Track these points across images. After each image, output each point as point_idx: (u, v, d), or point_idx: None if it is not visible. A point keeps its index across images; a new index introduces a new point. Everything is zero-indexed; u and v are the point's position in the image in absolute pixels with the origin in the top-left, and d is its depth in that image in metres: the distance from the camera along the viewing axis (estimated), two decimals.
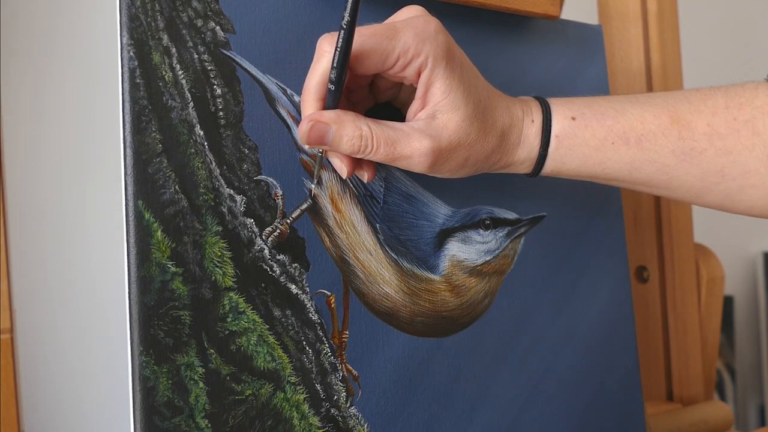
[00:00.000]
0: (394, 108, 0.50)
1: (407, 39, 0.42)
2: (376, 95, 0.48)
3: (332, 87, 0.42)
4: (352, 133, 0.42)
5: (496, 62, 0.55)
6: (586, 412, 0.57)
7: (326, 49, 0.42)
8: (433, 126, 0.43)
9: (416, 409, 0.49)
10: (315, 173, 0.46)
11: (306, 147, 0.46)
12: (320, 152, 0.45)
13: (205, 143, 0.43)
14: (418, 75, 0.43)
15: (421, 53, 0.42)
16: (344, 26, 0.39)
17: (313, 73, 0.43)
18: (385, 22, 0.44)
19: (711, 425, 0.73)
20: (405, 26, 0.42)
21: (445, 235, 0.51)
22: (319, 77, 0.43)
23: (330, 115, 0.42)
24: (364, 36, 0.41)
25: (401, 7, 0.45)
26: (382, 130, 0.43)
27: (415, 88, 0.44)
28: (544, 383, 0.55)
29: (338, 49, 0.40)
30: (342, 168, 0.44)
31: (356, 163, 0.45)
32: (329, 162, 0.46)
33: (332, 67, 0.41)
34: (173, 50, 0.42)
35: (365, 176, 0.46)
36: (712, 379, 0.79)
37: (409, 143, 0.43)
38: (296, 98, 0.46)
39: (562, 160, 0.48)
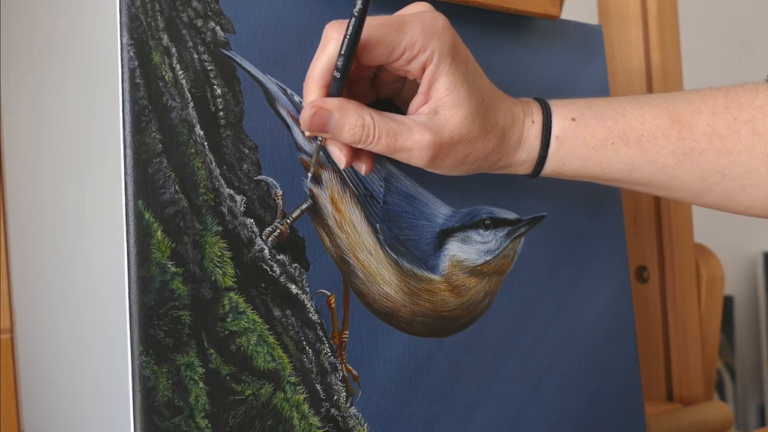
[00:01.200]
0: (396, 107, 0.50)
1: (414, 33, 0.42)
2: (378, 90, 0.48)
3: (338, 75, 0.42)
4: (354, 122, 0.42)
5: (496, 62, 0.55)
6: (586, 412, 0.57)
7: (333, 36, 0.42)
8: (435, 121, 0.43)
9: (416, 409, 0.49)
10: (313, 161, 0.45)
11: (305, 141, 0.46)
12: (319, 141, 0.44)
13: (205, 143, 0.43)
14: (423, 70, 0.43)
15: (428, 48, 0.42)
16: (356, 14, 0.39)
17: (318, 60, 0.43)
18: (393, 14, 0.44)
19: (711, 425, 0.73)
20: (413, 20, 0.42)
21: (445, 235, 0.51)
22: (324, 64, 0.42)
23: (333, 102, 0.42)
24: (372, 26, 0.41)
25: (404, 5, 0.45)
26: (385, 121, 0.43)
27: (419, 84, 0.44)
28: (544, 383, 0.55)
29: (348, 37, 0.40)
30: (340, 157, 0.44)
31: (355, 153, 0.45)
32: (329, 162, 0.46)
33: (339, 55, 0.41)
34: (173, 50, 0.42)
35: (363, 168, 0.46)
36: (712, 379, 0.79)
37: (411, 136, 0.43)
38: (296, 98, 0.46)
39: (562, 161, 0.48)
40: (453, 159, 0.45)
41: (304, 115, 0.42)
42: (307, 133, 0.45)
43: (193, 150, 0.42)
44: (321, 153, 0.46)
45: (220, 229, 0.43)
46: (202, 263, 0.42)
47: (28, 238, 0.60)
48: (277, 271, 0.44)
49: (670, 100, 0.48)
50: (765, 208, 0.48)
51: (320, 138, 0.44)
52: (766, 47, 1.68)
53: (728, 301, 1.65)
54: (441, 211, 0.51)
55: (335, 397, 0.46)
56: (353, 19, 0.40)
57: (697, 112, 0.46)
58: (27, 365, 0.62)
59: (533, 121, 0.47)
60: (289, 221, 0.45)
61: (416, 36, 0.42)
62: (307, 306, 0.45)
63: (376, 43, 0.41)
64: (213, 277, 0.42)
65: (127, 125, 0.41)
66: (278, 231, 0.45)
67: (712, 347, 0.78)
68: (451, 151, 0.44)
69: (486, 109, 0.45)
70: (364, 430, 0.47)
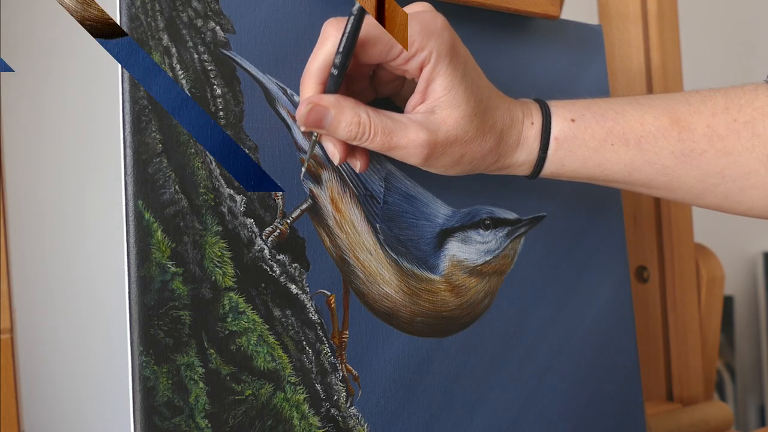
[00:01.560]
0: (395, 106, 0.49)
1: (413, 32, 0.42)
2: (377, 88, 0.48)
3: (335, 72, 0.42)
4: (350, 119, 0.42)
5: (495, 62, 0.55)
6: (586, 412, 0.57)
7: (331, 33, 0.42)
8: (432, 120, 0.43)
9: (416, 409, 0.49)
10: (307, 155, 0.45)
11: (305, 141, 0.46)
12: (315, 136, 0.44)
13: None
14: (421, 69, 0.43)
15: (426, 48, 0.42)
16: (354, 12, 0.39)
17: (316, 57, 0.43)
18: None
19: (711, 425, 0.73)
20: (412, 19, 0.42)
21: (445, 235, 0.51)
22: (322, 61, 0.42)
23: (330, 99, 0.42)
24: (370, 24, 0.41)
25: (407, 5, 0.45)
26: (380, 119, 0.43)
27: (417, 83, 0.44)
28: (544, 383, 0.55)
29: (346, 34, 0.40)
30: (335, 153, 0.44)
31: (350, 150, 0.45)
32: (329, 162, 0.46)
33: (337, 52, 0.41)
34: (173, 50, 0.42)
35: (357, 165, 0.46)
36: (712, 379, 0.79)
37: (406, 134, 0.43)
38: (296, 98, 0.46)
39: (561, 162, 0.48)
40: (448, 159, 0.45)
41: (301, 111, 0.42)
42: (302, 129, 0.45)
43: (193, 150, 0.42)
44: (321, 153, 0.46)
45: (220, 229, 0.43)
46: (202, 263, 0.42)
47: (28, 238, 0.60)
48: (277, 271, 0.44)
49: (669, 101, 0.47)
50: (765, 208, 0.48)
51: (315, 134, 0.44)
52: (766, 47, 1.68)
53: (728, 301, 1.65)
54: (441, 211, 0.51)
55: (335, 397, 0.46)
56: (352, 17, 0.40)
57: (697, 113, 0.46)
58: (27, 365, 0.62)
59: (532, 122, 0.47)
60: (289, 221, 0.45)
61: (414, 35, 0.42)
62: (307, 306, 0.45)
63: (374, 41, 0.42)
64: (213, 277, 0.42)
65: (127, 125, 0.41)
66: (278, 231, 0.45)
67: (712, 347, 0.78)
68: (446, 151, 0.44)
69: (484, 110, 0.45)
70: (364, 430, 0.47)
